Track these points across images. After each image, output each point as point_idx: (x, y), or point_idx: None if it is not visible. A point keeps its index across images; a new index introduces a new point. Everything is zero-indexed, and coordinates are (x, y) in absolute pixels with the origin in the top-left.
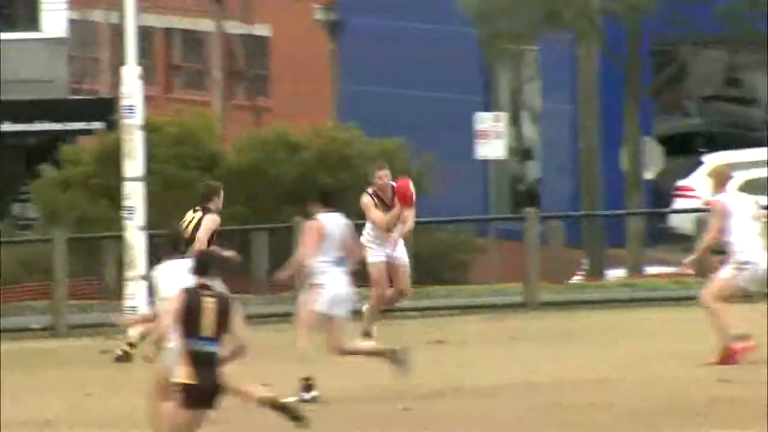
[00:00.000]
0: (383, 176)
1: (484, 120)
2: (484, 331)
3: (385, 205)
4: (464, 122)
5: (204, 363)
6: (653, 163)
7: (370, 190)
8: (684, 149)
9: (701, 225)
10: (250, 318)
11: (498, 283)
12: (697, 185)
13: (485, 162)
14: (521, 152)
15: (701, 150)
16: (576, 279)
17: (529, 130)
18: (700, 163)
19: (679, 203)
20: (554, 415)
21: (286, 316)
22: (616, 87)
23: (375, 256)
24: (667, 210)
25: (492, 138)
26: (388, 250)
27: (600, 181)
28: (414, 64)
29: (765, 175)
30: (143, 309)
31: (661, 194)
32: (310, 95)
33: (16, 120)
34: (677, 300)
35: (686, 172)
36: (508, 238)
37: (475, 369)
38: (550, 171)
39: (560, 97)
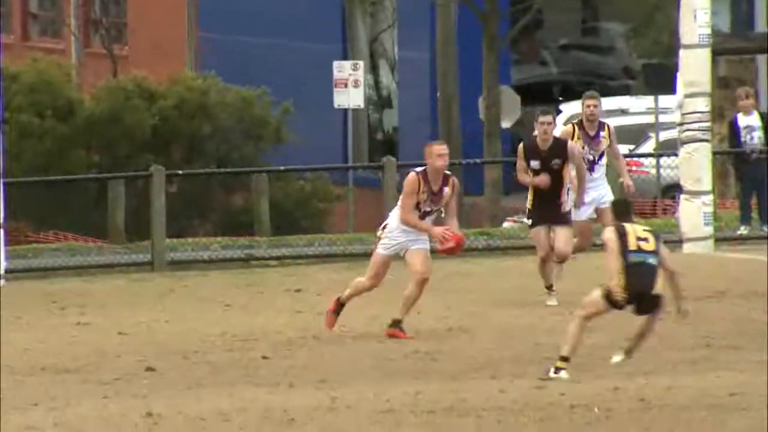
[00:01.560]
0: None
1: (342, 68)
2: (342, 279)
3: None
4: (323, 71)
5: None
6: (510, 112)
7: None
8: (541, 98)
9: None
10: (107, 267)
11: (356, 232)
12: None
13: (344, 111)
14: (379, 101)
15: (559, 99)
16: None
17: (387, 79)
18: (559, 111)
19: None
20: (411, 363)
21: (143, 265)
22: (474, 36)
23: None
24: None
25: (350, 87)
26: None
27: (458, 129)
28: (273, 13)
29: (624, 124)
30: None
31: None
32: (168, 44)
33: None
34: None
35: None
36: (365, 186)
37: None
38: (408, 120)
39: (418, 45)
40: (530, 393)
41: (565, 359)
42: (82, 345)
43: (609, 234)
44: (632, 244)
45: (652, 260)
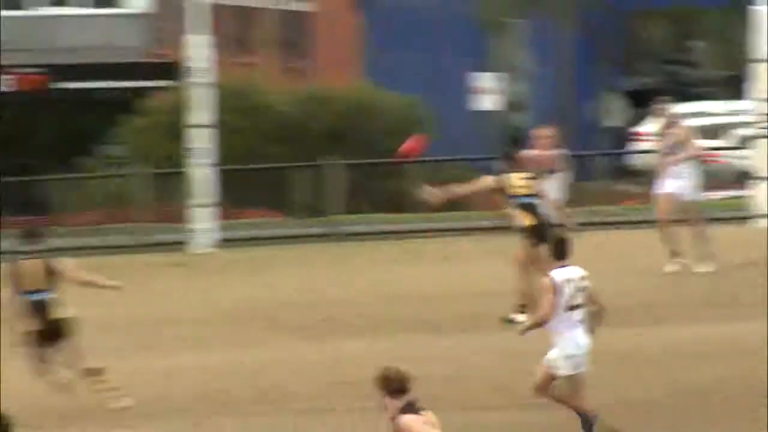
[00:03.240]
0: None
1: (481, 79)
2: (483, 248)
3: None
4: (465, 80)
5: None
6: (617, 113)
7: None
8: (640, 102)
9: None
10: (293, 237)
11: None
12: (649, 131)
13: (483, 113)
14: (511, 105)
15: (653, 103)
16: None
17: (518, 88)
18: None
19: (635, 145)
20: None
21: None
22: (588, 52)
23: None
24: (626, 151)
25: (488, 94)
26: None
27: (575, 128)
28: (426, 34)
29: (706, 123)
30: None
31: (622, 138)
32: (342, 59)
33: (106, 78)
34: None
35: (641, 121)
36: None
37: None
38: (534, 120)
39: (544, 59)
40: None
41: None
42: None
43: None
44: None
45: None
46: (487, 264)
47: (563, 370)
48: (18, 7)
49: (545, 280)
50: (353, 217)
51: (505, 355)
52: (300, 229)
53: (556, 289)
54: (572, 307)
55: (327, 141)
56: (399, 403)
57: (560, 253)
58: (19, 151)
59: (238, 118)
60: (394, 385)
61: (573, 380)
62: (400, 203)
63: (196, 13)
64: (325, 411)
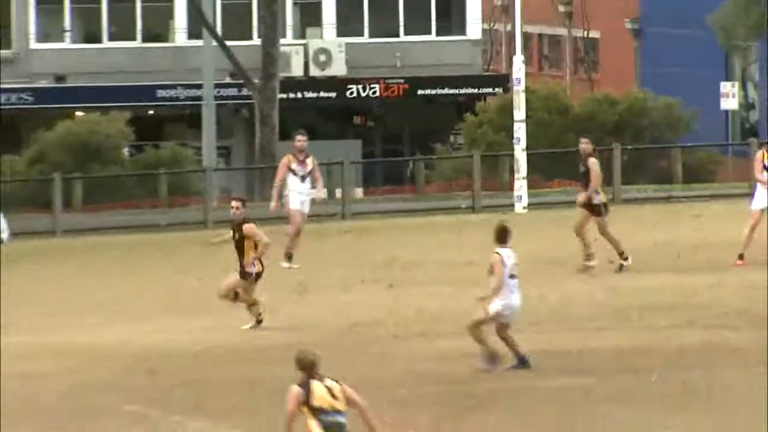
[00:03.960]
0: None
1: (725, 87)
2: (728, 209)
3: None
4: (715, 87)
5: None
6: None
7: None
8: None
9: None
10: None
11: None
12: None
13: (726, 112)
14: (747, 105)
15: None
16: None
17: (752, 92)
18: None
19: None
20: None
21: None
22: None
23: None
24: None
25: (729, 97)
26: None
27: None
28: (685, 53)
29: None
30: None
31: None
32: (623, 71)
33: (450, 87)
34: None
35: None
36: (740, 156)
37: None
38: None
39: None
40: None
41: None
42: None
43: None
44: None
45: None
46: (728, 221)
47: (502, 318)
48: (387, 35)
49: (496, 257)
50: (629, 187)
51: (739, 287)
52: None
53: (503, 263)
54: (511, 276)
55: (610, 132)
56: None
57: (502, 237)
58: (387, 140)
59: (546, 115)
60: (302, 363)
61: (505, 326)
62: (664, 177)
63: (516, 39)
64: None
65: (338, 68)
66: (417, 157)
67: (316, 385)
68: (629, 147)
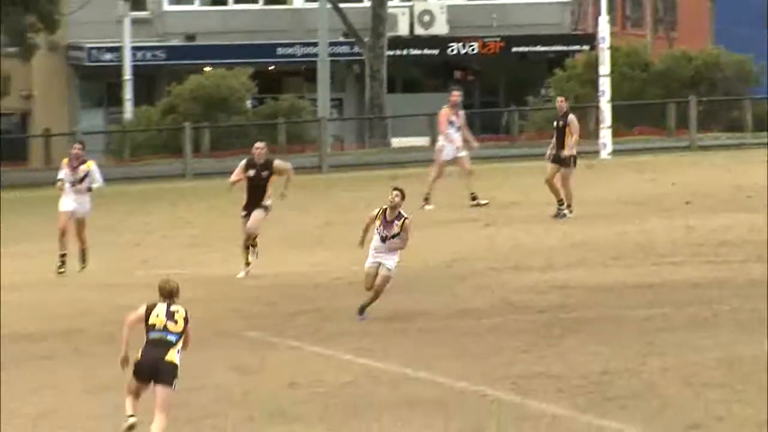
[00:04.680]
0: None
1: None
2: None
3: None
4: None
5: None
6: None
7: None
8: None
9: None
10: (662, 149)
11: None
12: None
13: None
14: None
15: None
16: None
17: None
18: None
19: None
20: None
21: None
22: None
23: None
24: None
25: None
26: None
27: None
28: (753, 13)
29: None
30: None
31: None
32: (698, 31)
33: (542, 44)
34: None
35: None
36: None
37: None
38: None
39: None
40: None
41: None
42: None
43: None
44: None
45: None
46: None
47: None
48: None
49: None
50: (704, 135)
51: None
52: (670, 143)
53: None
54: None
55: (687, 86)
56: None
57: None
58: (485, 93)
59: (628, 71)
60: (162, 291)
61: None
62: (736, 126)
63: (601, 0)
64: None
65: (440, 28)
66: (511, 108)
67: (159, 307)
68: (704, 99)
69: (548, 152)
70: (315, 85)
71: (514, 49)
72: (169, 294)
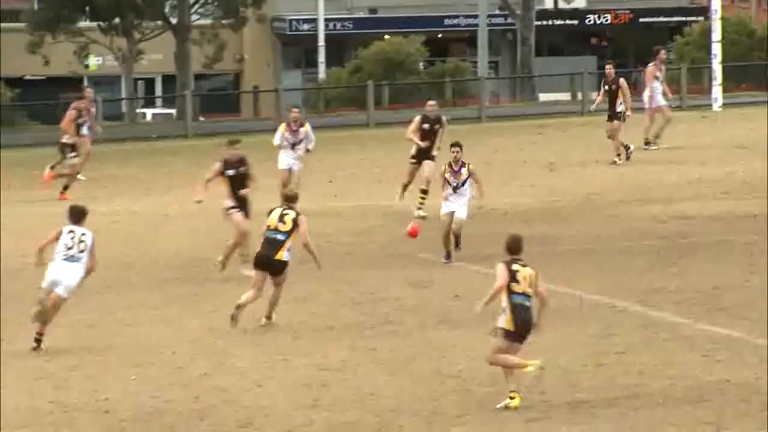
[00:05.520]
0: None
1: None
2: None
3: None
4: None
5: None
6: None
7: None
8: None
9: None
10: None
11: None
12: None
13: None
14: None
15: None
16: None
17: None
18: None
19: None
20: None
21: None
22: None
23: None
24: None
25: None
26: None
27: None
28: None
29: None
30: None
31: None
32: None
33: (666, 15)
34: None
35: None
36: None
37: None
38: None
39: None
40: None
41: None
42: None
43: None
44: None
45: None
46: None
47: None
48: None
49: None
50: None
51: None
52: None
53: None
54: None
55: None
56: None
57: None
58: (616, 57)
59: (736, 37)
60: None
61: None
62: None
63: None
64: None
65: (579, 2)
66: (639, 69)
67: (275, 211)
68: None
69: (595, 109)
70: (476, 50)
71: (641, 20)
72: (288, 199)
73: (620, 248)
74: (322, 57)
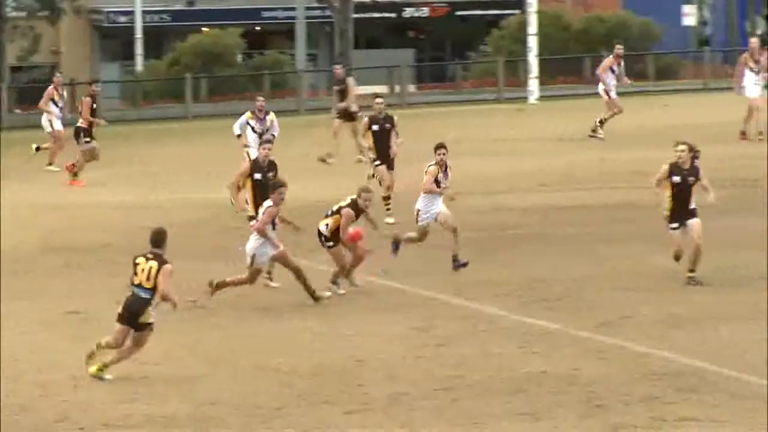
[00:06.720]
0: None
1: (685, 8)
2: None
3: None
4: (679, 9)
5: None
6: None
7: None
8: None
9: None
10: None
11: None
12: None
13: (686, 27)
14: (701, 22)
15: None
16: None
17: (706, 13)
18: None
19: None
20: None
21: None
22: None
23: None
24: None
25: (689, 15)
26: None
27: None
28: None
29: None
30: None
31: None
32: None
33: (479, 9)
34: None
35: None
36: (697, 61)
37: None
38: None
39: None
40: None
41: None
42: None
43: None
44: None
45: None
46: (690, 108)
47: None
48: None
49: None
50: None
51: None
52: (588, 89)
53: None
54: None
55: (601, 43)
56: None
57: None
58: (434, 49)
59: (552, 30)
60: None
61: None
62: (641, 75)
63: None
64: None
65: None
66: (456, 62)
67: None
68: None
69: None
70: (294, 42)
71: (458, 13)
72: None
73: (440, 240)
74: (139, 49)
